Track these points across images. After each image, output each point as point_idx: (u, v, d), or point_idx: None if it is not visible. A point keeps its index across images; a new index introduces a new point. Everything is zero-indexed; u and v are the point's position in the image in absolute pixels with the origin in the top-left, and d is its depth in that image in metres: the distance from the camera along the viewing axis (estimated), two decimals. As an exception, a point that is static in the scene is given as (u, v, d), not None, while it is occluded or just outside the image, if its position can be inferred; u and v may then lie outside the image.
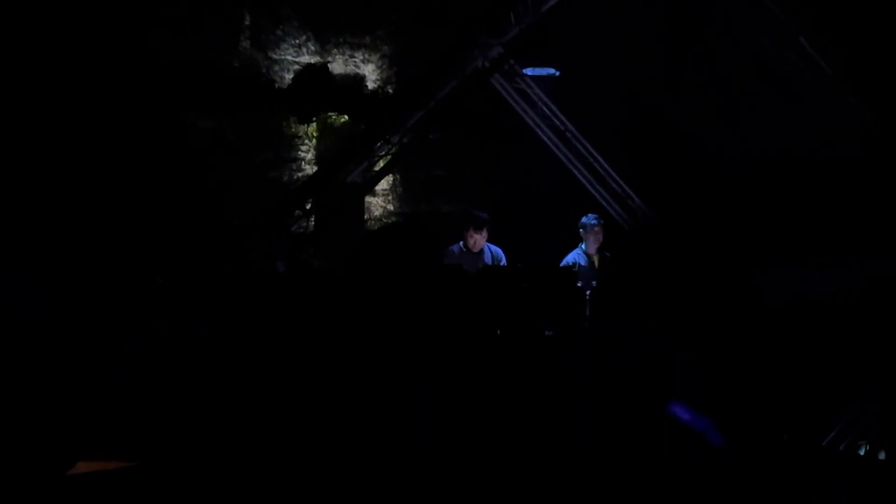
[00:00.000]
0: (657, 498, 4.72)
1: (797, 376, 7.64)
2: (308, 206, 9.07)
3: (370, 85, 10.75)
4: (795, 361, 7.69)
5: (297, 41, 10.46)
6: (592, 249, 9.11)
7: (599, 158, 9.86)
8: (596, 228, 9.09)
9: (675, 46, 9.73)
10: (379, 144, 9.45)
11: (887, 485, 6.67)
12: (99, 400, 7.16)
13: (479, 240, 8.74)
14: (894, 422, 7.38)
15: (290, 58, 10.42)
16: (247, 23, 10.12)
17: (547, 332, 7.88)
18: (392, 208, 10.81)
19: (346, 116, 10.43)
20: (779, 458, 6.79)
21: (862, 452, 7.45)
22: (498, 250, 8.93)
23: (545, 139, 9.85)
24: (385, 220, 10.70)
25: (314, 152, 10.44)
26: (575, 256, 9.07)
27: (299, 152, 10.44)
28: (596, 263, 9.17)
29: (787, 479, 6.61)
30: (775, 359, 7.75)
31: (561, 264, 9.00)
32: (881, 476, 6.82)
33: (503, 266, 8.82)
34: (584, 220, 9.13)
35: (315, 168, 10.23)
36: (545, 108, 9.84)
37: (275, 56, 10.38)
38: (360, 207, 9.70)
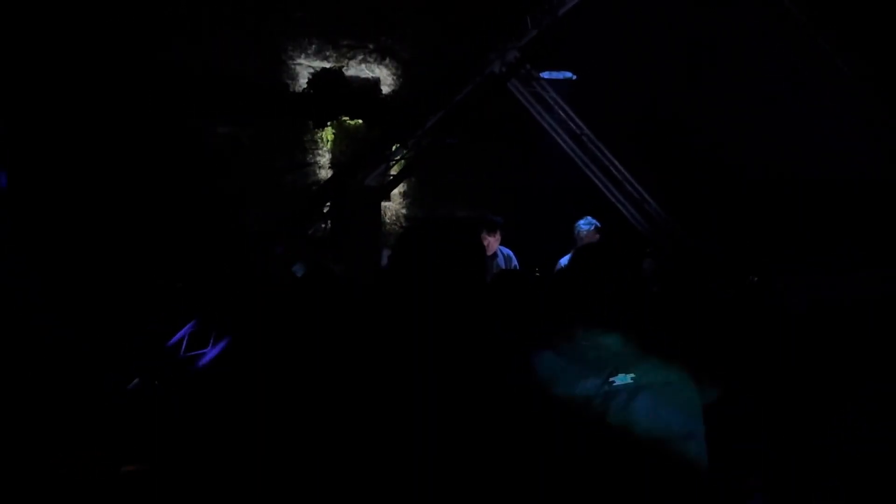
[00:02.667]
0: (656, 498, 4.69)
1: (807, 380, 7.62)
2: (326, 210, 9.06)
3: (385, 89, 10.76)
4: (807, 365, 7.67)
5: (313, 46, 10.47)
6: None
7: (616, 162, 9.82)
8: (586, 234, 8.89)
9: (694, 50, 9.69)
10: (395, 148, 9.44)
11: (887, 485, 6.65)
12: (101, 400, 7.19)
13: (492, 243, 8.72)
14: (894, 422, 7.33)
15: (306, 62, 10.43)
16: (263, 29, 10.14)
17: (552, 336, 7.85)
18: (407, 212, 10.81)
19: (362, 120, 10.44)
20: (783, 457, 6.78)
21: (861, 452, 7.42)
22: (509, 252, 8.91)
23: (561, 143, 9.82)
24: (401, 224, 10.71)
25: (329, 157, 10.45)
26: (567, 260, 8.99)
27: (315, 157, 10.45)
28: None
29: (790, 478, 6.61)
30: (788, 363, 7.73)
31: (556, 269, 8.94)
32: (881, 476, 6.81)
33: (518, 270, 8.80)
34: (576, 224, 8.93)
35: (330, 172, 10.24)
36: (561, 112, 9.81)
37: (291, 61, 10.39)
38: (378, 211, 9.70)
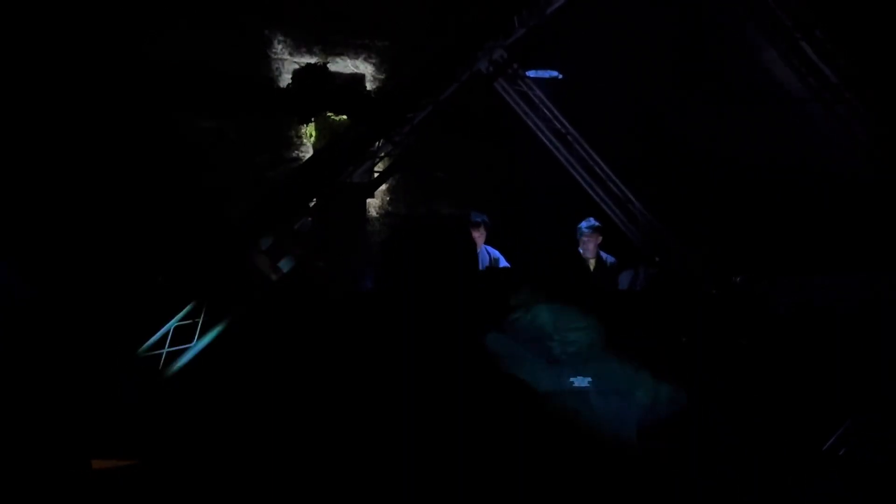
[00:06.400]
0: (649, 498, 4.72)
1: (800, 384, 7.67)
2: (311, 206, 9.04)
3: (370, 85, 10.74)
4: (799, 369, 7.72)
5: (298, 41, 10.43)
6: (589, 254, 9.18)
7: (600, 162, 9.84)
8: (589, 234, 9.13)
9: (681, 52, 9.73)
10: (379, 145, 9.42)
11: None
12: (116, 407, 7.13)
13: (477, 239, 8.75)
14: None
15: (290, 57, 10.39)
16: (247, 23, 10.09)
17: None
18: (391, 209, 10.79)
19: (346, 116, 10.38)
20: (780, 460, 6.83)
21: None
22: (497, 254, 8.94)
23: (546, 142, 9.83)
24: (384, 221, 10.69)
25: (313, 152, 10.41)
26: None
27: (299, 152, 10.42)
28: (591, 268, 9.22)
29: (787, 480, 6.66)
30: (779, 366, 7.78)
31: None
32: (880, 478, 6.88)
33: (504, 268, 8.84)
34: (580, 225, 9.18)
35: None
36: (547, 111, 9.83)
37: (275, 56, 10.35)
38: (363, 208, 9.68)
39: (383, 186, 10.38)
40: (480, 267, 8.75)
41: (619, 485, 4.19)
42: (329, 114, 10.38)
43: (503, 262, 8.97)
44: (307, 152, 10.41)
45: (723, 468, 6.21)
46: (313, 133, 10.39)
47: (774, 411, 7.42)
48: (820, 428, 7.52)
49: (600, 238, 9.22)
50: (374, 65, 10.79)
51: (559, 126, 9.85)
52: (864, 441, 7.48)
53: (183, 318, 8.13)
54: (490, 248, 8.97)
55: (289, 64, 10.38)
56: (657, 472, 4.11)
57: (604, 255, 9.40)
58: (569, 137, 9.85)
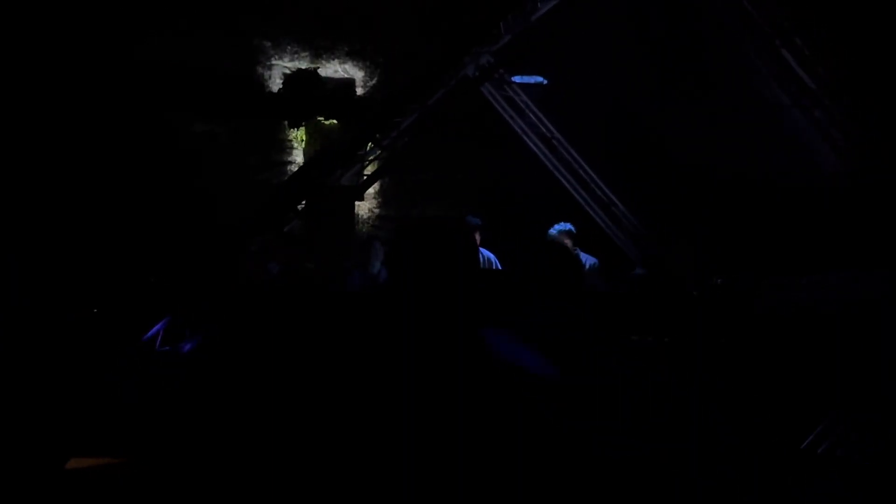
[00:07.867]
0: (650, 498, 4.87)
1: (795, 383, 7.80)
2: (300, 208, 9.18)
3: (360, 90, 10.87)
4: (789, 368, 7.85)
5: (290, 46, 10.56)
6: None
7: (585, 165, 10.06)
8: (554, 239, 8.98)
9: (667, 57, 9.89)
10: (369, 148, 9.59)
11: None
12: (114, 408, 7.21)
13: None
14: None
15: (282, 62, 10.51)
16: (240, 28, 10.21)
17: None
18: (380, 211, 10.92)
19: (336, 121, 10.53)
20: (780, 460, 6.99)
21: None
22: (490, 255, 9.05)
23: (532, 145, 10.04)
24: (373, 224, 10.84)
25: (304, 156, 10.53)
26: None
27: (290, 156, 10.54)
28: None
29: (779, 479, 6.81)
30: (763, 365, 7.92)
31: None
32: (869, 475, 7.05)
33: (501, 270, 8.94)
34: (549, 231, 8.84)
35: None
36: (532, 116, 10.04)
37: (267, 61, 10.46)
38: (351, 210, 9.83)
39: (372, 189, 10.53)
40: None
41: (619, 485, 4.36)
42: (320, 118, 10.53)
43: (497, 265, 9.06)
44: (298, 156, 10.54)
45: (723, 468, 6.34)
46: (304, 137, 10.53)
47: (768, 411, 7.55)
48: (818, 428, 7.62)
49: (568, 242, 8.95)
50: (364, 70, 10.92)
51: (545, 130, 10.07)
52: (863, 441, 7.61)
53: (173, 319, 8.21)
54: (484, 250, 9.06)
55: (280, 68, 10.51)
56: (657, 472, 4.25)
57: (584, 256, 9.43)
58: (554, 141, 10.07)
